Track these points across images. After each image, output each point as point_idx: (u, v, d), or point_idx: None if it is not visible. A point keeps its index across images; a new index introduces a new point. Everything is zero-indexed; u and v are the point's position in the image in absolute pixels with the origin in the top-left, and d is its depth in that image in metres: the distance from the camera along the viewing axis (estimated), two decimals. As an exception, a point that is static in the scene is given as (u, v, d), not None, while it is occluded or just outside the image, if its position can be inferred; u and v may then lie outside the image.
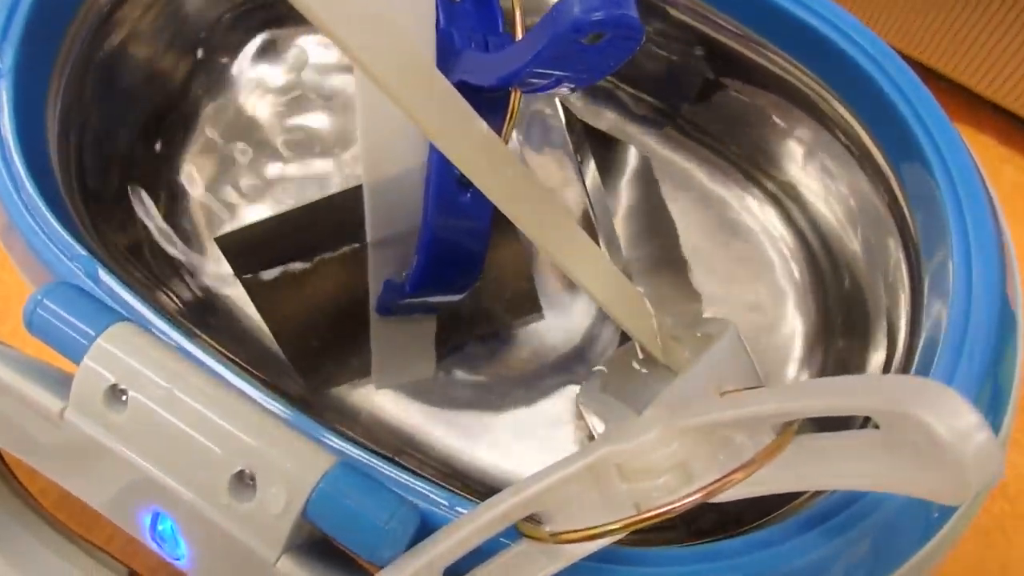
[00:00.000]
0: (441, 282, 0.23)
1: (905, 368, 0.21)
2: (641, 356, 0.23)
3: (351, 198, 0.22)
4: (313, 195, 0.26)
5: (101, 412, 0.17)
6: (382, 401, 0.25)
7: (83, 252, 0.19)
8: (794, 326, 0.27)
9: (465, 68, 0.19)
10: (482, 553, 0.16)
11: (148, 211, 0.25)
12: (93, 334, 0.17)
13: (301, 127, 0.28)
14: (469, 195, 0.21)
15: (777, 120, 0.26)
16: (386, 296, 0.24)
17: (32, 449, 0.18)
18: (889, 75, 0.22)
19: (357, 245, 0.23)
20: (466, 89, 0.20)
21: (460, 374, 0.26)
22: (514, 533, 0.17)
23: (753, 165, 0.28)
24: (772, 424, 0.16)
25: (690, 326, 0.23)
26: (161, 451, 0.17)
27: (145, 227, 0.25)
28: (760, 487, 0.16)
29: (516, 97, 0.19)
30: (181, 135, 0.27)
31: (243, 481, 0.16)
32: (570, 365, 0.26)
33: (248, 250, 0.23)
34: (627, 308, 0.21)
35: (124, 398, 0.17)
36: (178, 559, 0.18)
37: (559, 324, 0.27)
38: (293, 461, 0.16)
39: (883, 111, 0.22)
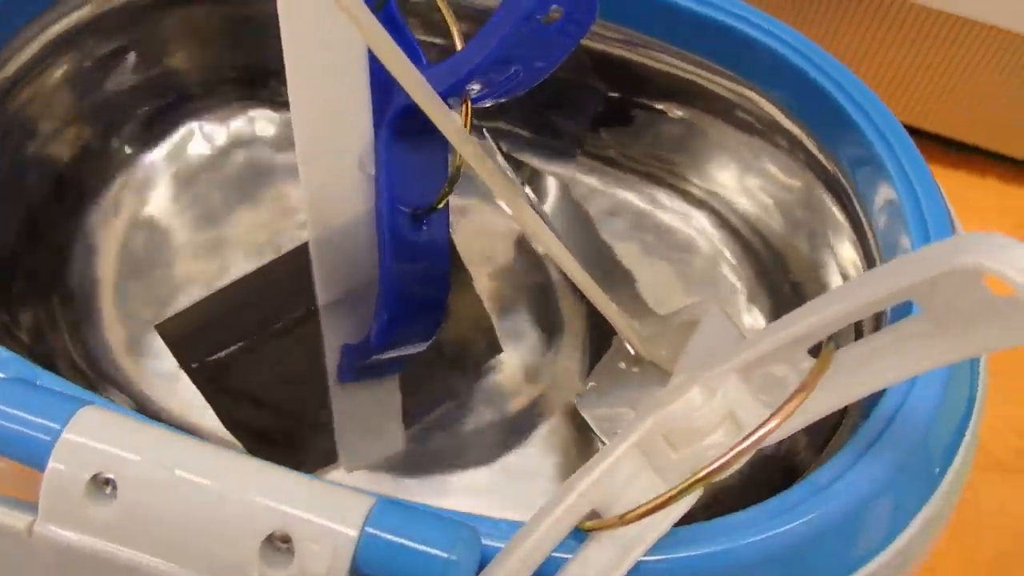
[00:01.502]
0: (409, 329, 0.21)
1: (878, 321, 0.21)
2: (625, 360, 0.22)
3: (296, 260, 0.21)
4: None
5: (83, 513, 0.14)
6: (352, 479, 0.24)
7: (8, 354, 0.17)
8: (753, 321, 0.27)
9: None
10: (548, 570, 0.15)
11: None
12: (57, 427, 0.15)
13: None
14: (424, 228, 0.21)
15: (688, 124, 0.27)
16: (348, 359, 0.22)
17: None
18: (813, 61, 0.23)
19: (306, 311, 0.22)
20: (408, 117, 0.20)
21: (427, 435, 0.25)
22: (574, 543, 0.15)
23: (675, 175, 0.28)
24: (807, 350, 0.15)
25: (665, 322, 0.22)
26: (168, 540, 0.14)
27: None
28: (810, 414, 0.15)
29: (467, 109, 0.18)
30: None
31: (274, 546, 0.14)
32: (535, 400, 0.25)
33: (192, 336, 0.21)
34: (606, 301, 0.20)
35: (109, 490, 0.14)
36: None
37: (515, 361, 0.26)
38: (327, 510, 0.14)
39: (809, 93, 0.23)
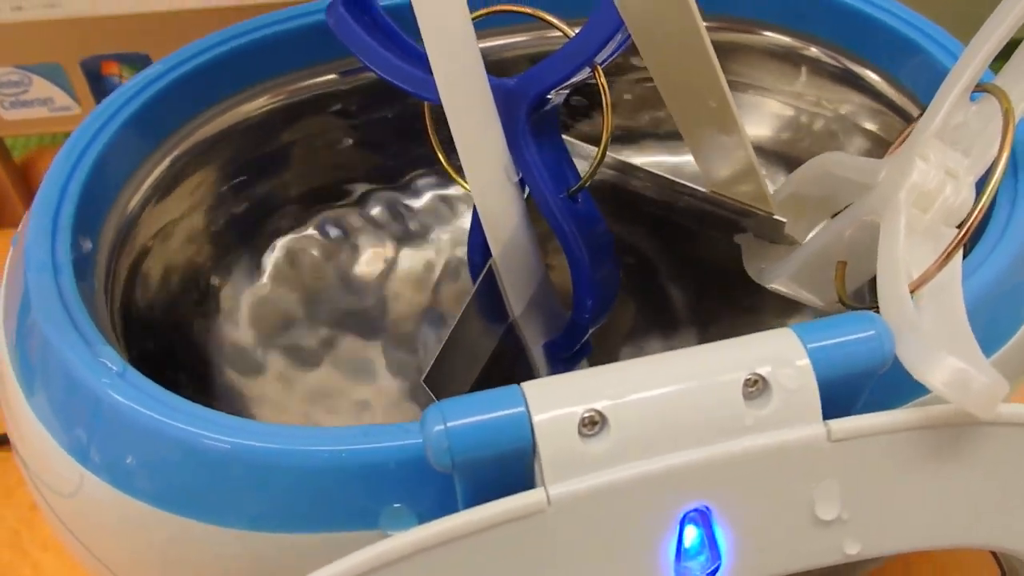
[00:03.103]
0: (602, 299, 0.24)
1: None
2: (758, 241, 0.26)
3: (486, 290, 0.23)
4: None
5: (582, 457, 0.15)
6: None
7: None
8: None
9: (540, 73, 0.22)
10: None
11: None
12: (520, 408, 0.16)
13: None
14: (580, 203, 0.23)
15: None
16: (555, 352, 0.24)
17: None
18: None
19: (507, 326, 0.23)
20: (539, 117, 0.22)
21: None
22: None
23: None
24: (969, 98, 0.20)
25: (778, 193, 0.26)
26: (661, 434, 0.16)
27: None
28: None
29: (600, 75, 0.22)
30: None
31: (751, 387, 0.16)
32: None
33: (450, 376, 0.21)
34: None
35: (597, 425, 0.16)
36: (716, 569, 0.17)
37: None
38: (771, 341, 0.16)
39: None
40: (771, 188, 0.25)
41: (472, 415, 0.15)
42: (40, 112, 0.40)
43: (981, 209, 0.19)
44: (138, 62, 0.39)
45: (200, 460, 0.17)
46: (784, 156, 0.30)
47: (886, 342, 0.16)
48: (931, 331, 0.17)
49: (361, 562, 0.15)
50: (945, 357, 0.16)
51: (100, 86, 0.40)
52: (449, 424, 0.15)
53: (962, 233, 0.18)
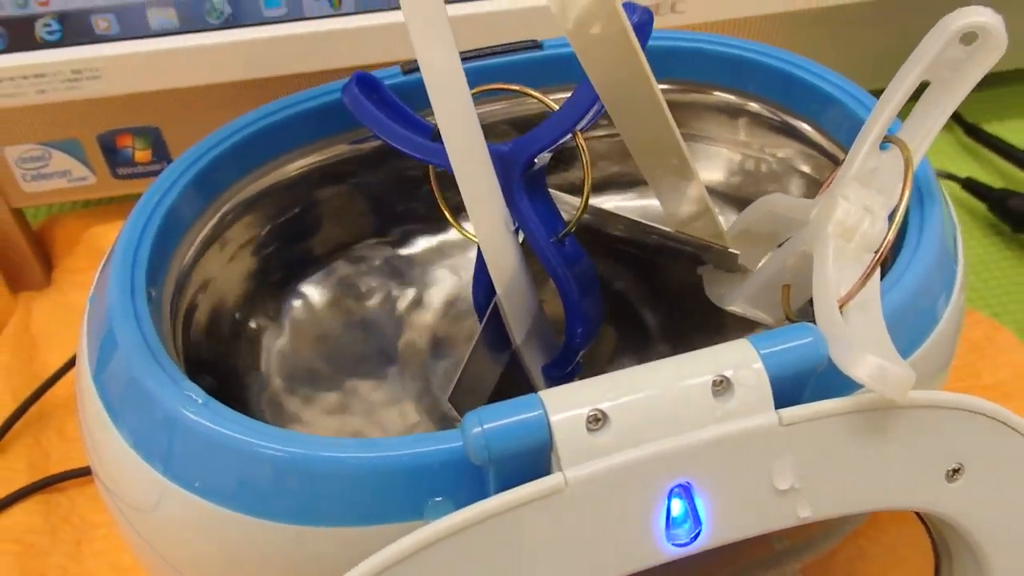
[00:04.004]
0: (591, 325, 0.28)
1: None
2: (717, 272, 0.30)
3: (492, 323, 0.27)
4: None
5: (590, 447, 0.20)
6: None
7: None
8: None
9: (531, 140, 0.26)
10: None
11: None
12: (539, 412, 0.20)
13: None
14: (567, 246, 0.28)
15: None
16: (555, 371, 0.28)
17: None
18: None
19: (511, 353, 0.28)
20: (529, 178, 0.27)
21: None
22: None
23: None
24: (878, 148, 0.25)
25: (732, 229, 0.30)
26: (650, 426, 0.20)
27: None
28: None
29: (580, 139, 0.26)
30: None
31: (717, 387, 0.20)
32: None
33: (469, 395, 0.25)
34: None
35: (600, 422, 0.20)
36: (697, 534, 0.21)
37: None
38: (731, 349, 0.21)
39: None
40: (725, 225, 0.30)
41: (502, 418, 0.20)
42: (58, 183, 0.44)
43: (890, 238, 0.23)
44: (149, 134, 0.43)
45: (275, 469, 0.21)
46: (735, 197, 0.35)
47: (821, 346, 0.21)
48: (856, 336, 0.22)
49: (419, 540, 0.19)
50: (867, 356, 0.20)
51: (115, 157, 0.43)
52: (485, 427, 0.19)
53: (877, 257, 0.23)
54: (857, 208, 0.24)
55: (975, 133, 0.53)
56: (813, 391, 0.22)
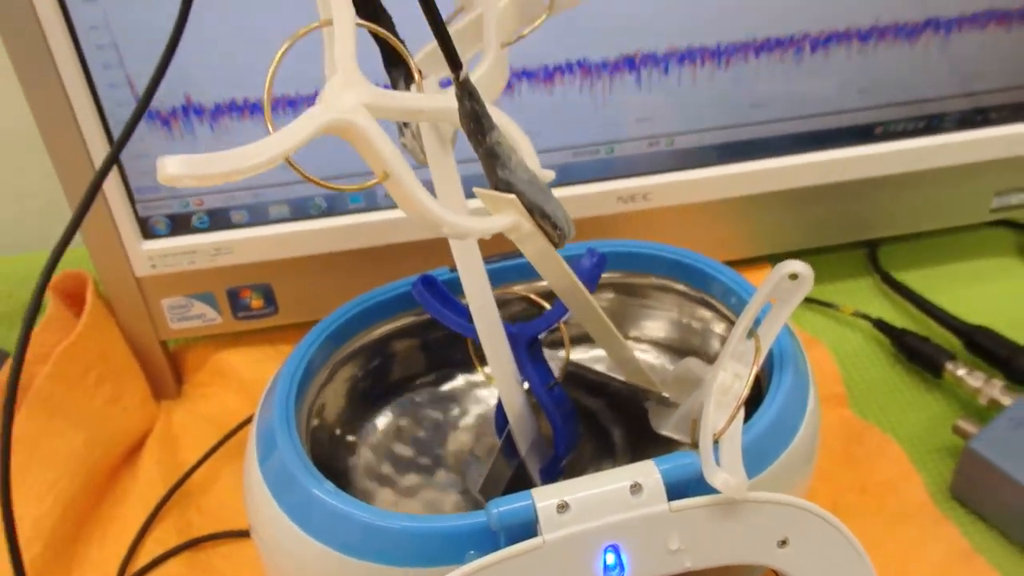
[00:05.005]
0: (571, 442, 0.43)
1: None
2: (657, 407, 0.45)
3: (506, 441, 0.42)
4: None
5: (559, 522, 0.34)
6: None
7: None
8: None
9: (532, 326, 0.42)
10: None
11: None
12: (529, 501, 0.35)
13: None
14: (555, 391, 0.43)
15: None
16: (546, 474, 0.43)
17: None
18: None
19: (519, 460, 0.43)
20: (530, 345, 0.42)
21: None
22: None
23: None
24: (746, 337, 0.40)
25: (669, 376, 0.46)
26: (594, 510, 0.35)
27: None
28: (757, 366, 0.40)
29: (563, 327, 0.42)
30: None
31: (633, 488, 0.35)
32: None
33: (491, 487, 0.41)
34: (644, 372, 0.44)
35: (565, 507, 0.35)
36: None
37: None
38: (643, 466, 0.36)
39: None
40: (666, 371, 0.45)
41: (509, 504, 0.35)
42: (195, 323, 0.60)
43: (744, 395, 0.38)
44: (262, 289, 0.59)
45: (376, 532, 0.36)
46: (676, 349, 0.51)
47: (697, 465, 0.36)
48: (722, 458, 0.37)
49: (460, 572, 0.34)
50: (720, 472, 0.35)
51: (237, 304, 0.60)
52: (500, 509, 0.34)
53: (737, 406, 0.38)
54: (730, 375, 0.39)
55: (889, 280, 0.68)
56: (695, 491, 0.36)
